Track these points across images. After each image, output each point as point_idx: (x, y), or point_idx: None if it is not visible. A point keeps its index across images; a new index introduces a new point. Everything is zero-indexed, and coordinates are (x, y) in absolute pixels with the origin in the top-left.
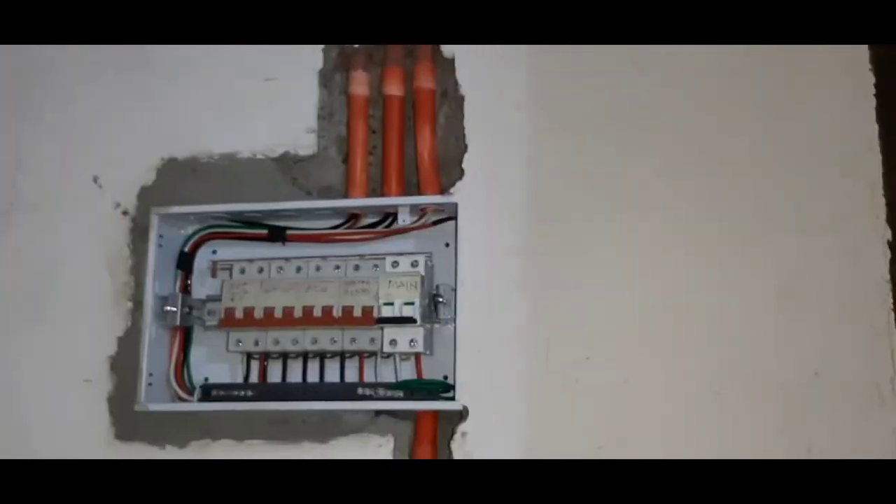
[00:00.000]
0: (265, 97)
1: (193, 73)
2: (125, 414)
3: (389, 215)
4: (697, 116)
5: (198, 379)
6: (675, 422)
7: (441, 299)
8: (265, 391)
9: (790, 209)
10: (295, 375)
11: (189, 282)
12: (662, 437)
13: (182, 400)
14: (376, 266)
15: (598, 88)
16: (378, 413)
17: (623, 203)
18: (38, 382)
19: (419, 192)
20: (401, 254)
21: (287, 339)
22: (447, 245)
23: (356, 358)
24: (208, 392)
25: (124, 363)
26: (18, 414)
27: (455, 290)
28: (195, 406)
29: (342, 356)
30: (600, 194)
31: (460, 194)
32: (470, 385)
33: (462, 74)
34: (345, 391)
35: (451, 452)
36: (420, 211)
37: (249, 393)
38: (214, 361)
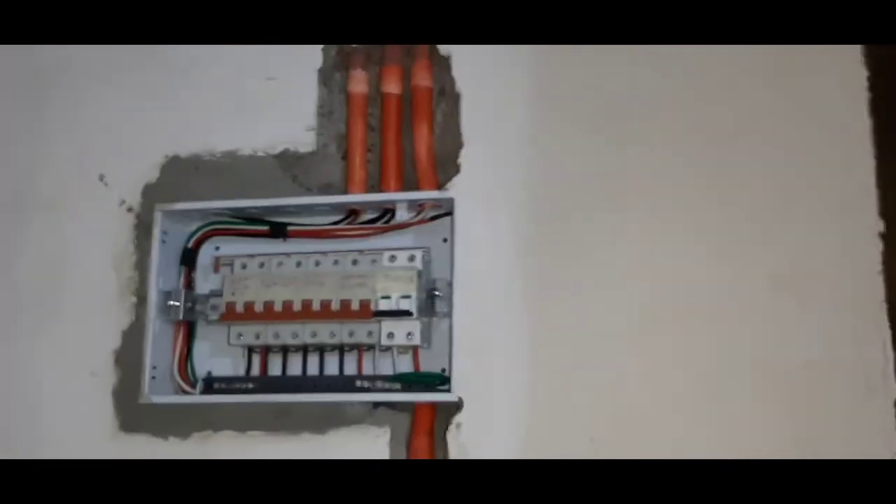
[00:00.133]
0: (266, 96)
1: (197, 73)
2: (129, 406)
3: (388, 211)
4: (694, 114)
5: (201, 373)
6: (672, 414)
7: (438, 293)
8: (266, 384)
9: (786, 204)
10: (295, 369)
11: (193, 277)
12: (659, 429)
13: (185, 393)
14: (374, 261)
15: (593, 86)
16: (376, 405)
17: (619, 199)
18: (47, 375)
19: (417, 189)
20: (398, 249)
21: (287, 333)
22: (445, 240)
23: (355, 352)
24: (210, 385)
25: (129, 357)
26: (28, 405)
27: (451, 284)
28: (197, 398)
29: (341, 350)
30: (596, 190)
31: (456, 190)
32: (466, 377)
33: (458, 72)
34: (343, 384)
35: (446, 443)
36: (418, 207)
37: (250, 385)
38: (218, 356)
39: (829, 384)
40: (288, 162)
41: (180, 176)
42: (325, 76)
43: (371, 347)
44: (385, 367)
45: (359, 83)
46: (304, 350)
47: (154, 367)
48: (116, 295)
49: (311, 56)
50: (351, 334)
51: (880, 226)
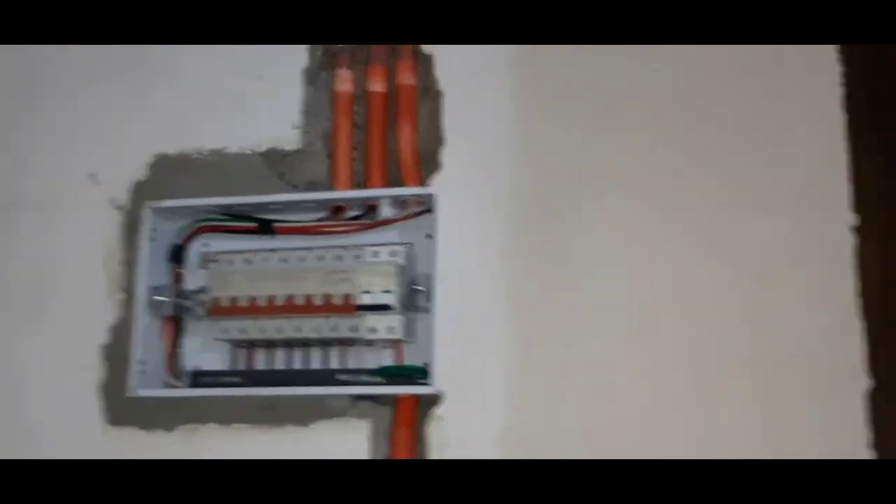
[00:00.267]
0: (253, 95)
1: (184, 73)
2: (117, 400)
3: (372, 208)
4: (673, 113)
5: (190, 367)
6: (651, 408)
7: (419, 288)
8: (250, 378)
9: (762, 199)
10: (281, 363)
11: (182, 274)
12: (638, 423)
13: (173, 387)
14: (357, 256)
15: (574, 84)
16: (359, 398)
17: (599, 196)
18: (36, 370)
19: (401, 186)
20: (382, 244)
21: (272, 328)
22: (429, 236)
23: (339, 346)
24: (196, 379)
25: (117, 352)
26: (17, 399)
27: (433, 278)
28: (183, 392)
29: (325, 344)
30: (576, 188)
31: (438, 186)
32: (446, 371)
33: (440, 71)
34: (326, 377)
35: (426, 436)
36: (402, 203)
37: (235, 379)
38: (207, 351)
39: (804, 376)
40: (274, 160)
41: (169, 174)
42: (311, 75)
43: (354, 342)
44: (369, 361)
45: (344, 82)
46: (289, 345)
47: (143, 362)
48: (105, 291)
49: (296, 56)
50: (334, 329)
51: (853, 219)
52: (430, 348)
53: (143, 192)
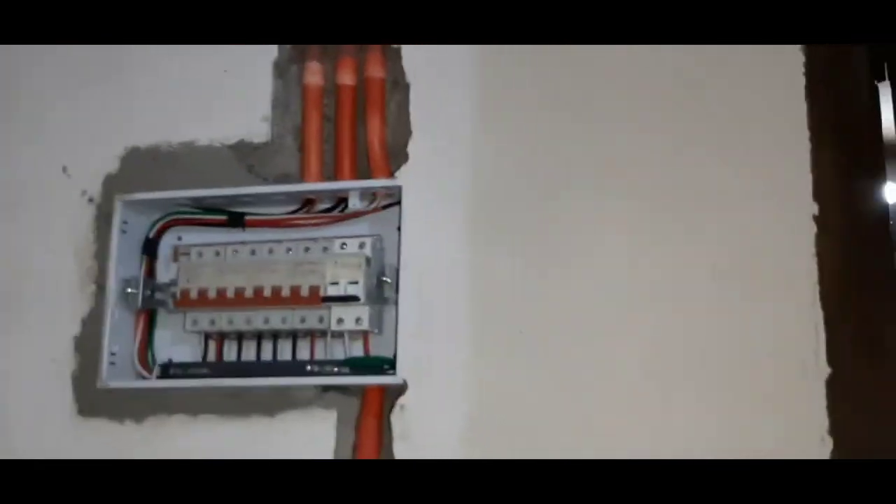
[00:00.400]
0: (223, 88)
1: (155, 65)
2: (88, 391)
3: (343, 200)
4: (633, 104)
5: (162, 359)
6: (612, 398)
7: (386, 279)
8: (218, 369)
9: (723, 189)
10: (250, 355)
11: (154, 267)
12: (600, 412)
13: (144, 379)
14: (326, 249)
15: (537, 77)
16: (327, 389)
17: (561, 188)
18: (7, 361)
19: (371, 178)
20: (349, 237)
21: (241, 319)
22: (399, 229)
23: (308, 338)
24: (166, 370)
25: (89, 344)
26: None
27: (398, 269)
28: (152, 383)
29: (294, 336)
30: (539, 180)
31: (404, 178)
32: (411, 361)
33: (407, 63)
34: (294, 368)
35: (391, 425)
36: (372, 195)
37: (204, 371)
38: (178, 343)
39: (765, 366)
40: (244, 153)
41: (140, 167)
42: (280, 69)
43: (323, 334)
44: (338, 353)
45: (314, 75)
46: (259, 336)
47: (114, 354)
48: (77, 284)
49: (266, 49)
50: (302, 320)
51: (814, 209)
52: (395, 338)
53: (114, 185)
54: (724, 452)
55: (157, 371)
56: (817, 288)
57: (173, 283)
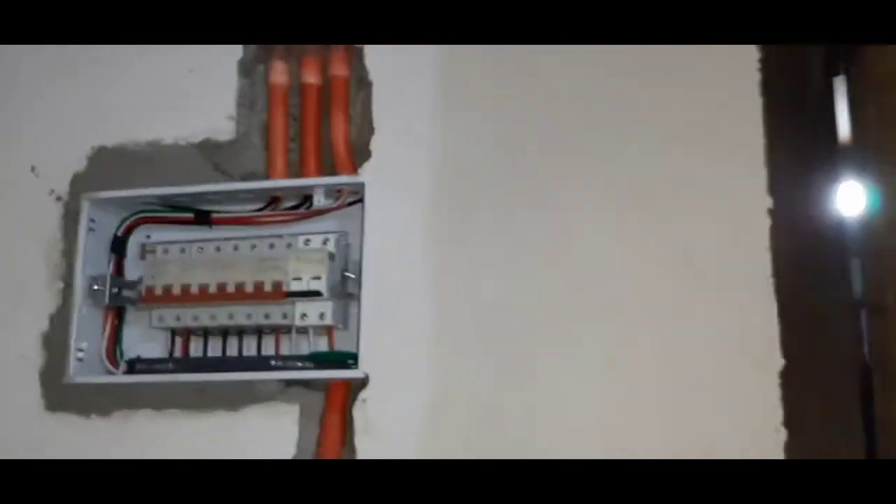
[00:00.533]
0: (188, 87)
1: (121, 64)
2: (56, 387)
3: (309, 198)
4: (592, 101)
5: (131, 356)
6: (568, 388)
7: (350, 275)
8: (183, 364)
9: (678, 183)
10: (217, 352)
11: (123, 264)
12: (556, 401)
13: (110, 374)
14: (290, 245)
15: (500, 76)
16: (290, 384)
17: (523, 186)
18: None
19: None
20: (313, 233)
21: (206, 316)
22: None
23: (274, 335)
24: (133, 366)
25: (56, 340)
26: None
27: (361, 265)
28: (117, 378)
29: (260, 332)
30: (499, 177)
31: (367, 175)
32: (373, 355)
33: (370, 61)
34: (258, 363)
35: (352, 418)
36: (337, 193)
37: (169, 366)
38: (147, 341)
39: (719, 357)
40: (209, 151)
41: (107, 166)
42: (246, 68)
43: (288, 330)
44: (304, 349)
45: (279, 74)
46: (225, 333)
47: (82, 350)
48: (45, 281)
49: (232, 48)
50: (267, 316)
51: (769, 203)
52: (357, 333)
53: (82, 183)
54: (679, 442)
55: (123, 367)
56: (771, 280)
57: (141, 280)
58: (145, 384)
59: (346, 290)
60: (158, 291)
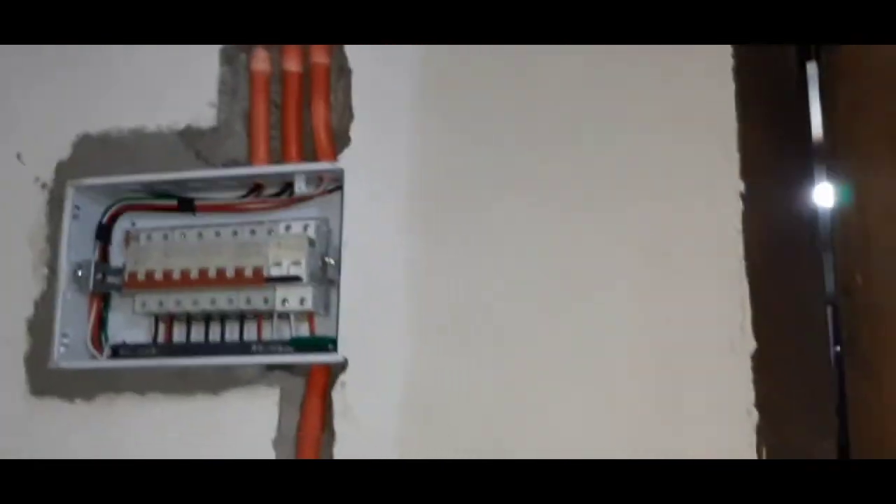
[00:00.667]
0: (171, 75)
1: (106, 53)
2: (40, 372)
3: (290, 185)
4: (566, 96)
5: (116, 341)
6: (543, 375)
7: (329, 260)
8: (166, 349)
9: (651, 166)
10: (199, 337)
11: (108, 251)
12: (532, 388)
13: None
14: (271, 231)
15: (478, 69)
16: (271, 368)
17: (499, 174)
18: None
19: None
20: (294, 219)
21: (188, 301)
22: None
23: (256, 320)
24: (116, 351)
25: (41, 326)
26: None
27: (340, 250)
28: (101, 363)
29: (241, 317)
30: (476, 167)
31: (346, 161)
32: (352, 339)
33: (351, 50)
34: (239, 348)
35: (332, 402)
36: (318, 180)
37: (152, 351)
38: (132, 326)
39: (691, 340)
40: (191, 138)
41: (92, 153)
42: (227, 56)
43: (270, 315)
44: (285, 334)
45: (261, 62)
46: (207, 318)
47: (67, 336)
48: (31, 267)
49: None
50: (248, 301)
51: (741, 186)
52: (336, 317)
53: (66, 171)
54: (652, 426)
55: (107, 352)
56: (743, 263)
57: (124, 266)
58: (129, 369)
59: (326, 275)
60: (141, 277)
